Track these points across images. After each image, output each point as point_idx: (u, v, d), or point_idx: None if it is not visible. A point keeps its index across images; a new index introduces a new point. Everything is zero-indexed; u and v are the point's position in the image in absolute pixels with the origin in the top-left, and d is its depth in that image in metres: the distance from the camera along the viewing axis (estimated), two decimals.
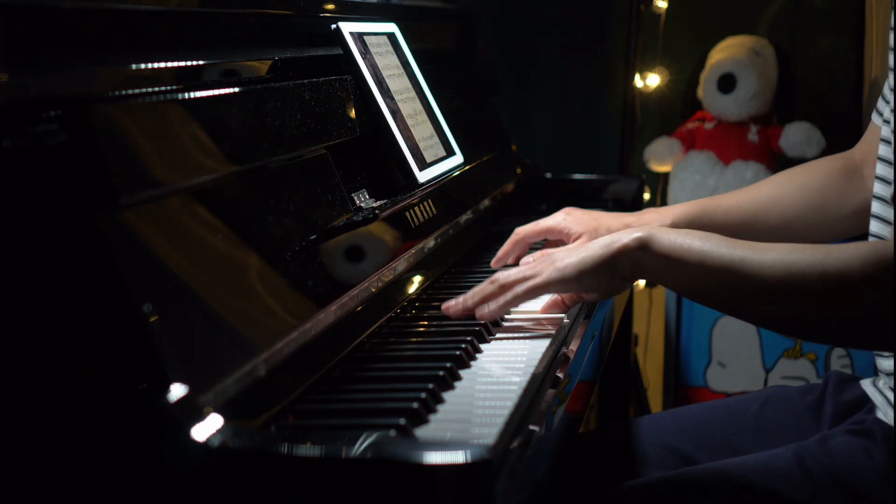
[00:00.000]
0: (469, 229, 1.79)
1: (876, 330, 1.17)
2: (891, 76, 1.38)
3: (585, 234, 1.62)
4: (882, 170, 1.34)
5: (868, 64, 2.86)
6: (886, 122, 1.35)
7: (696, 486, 1.34)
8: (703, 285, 1.24)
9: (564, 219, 1.65)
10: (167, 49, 1.22)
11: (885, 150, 1.34)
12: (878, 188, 1.34)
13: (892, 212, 1.30)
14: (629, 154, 2.89)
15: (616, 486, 1.37)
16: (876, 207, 1.34)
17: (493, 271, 1.63)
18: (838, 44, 3.06)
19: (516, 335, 1.33)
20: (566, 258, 1.30)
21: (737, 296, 1.22)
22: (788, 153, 2.97)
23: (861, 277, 1.14)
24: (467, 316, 1.34)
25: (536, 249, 1.65)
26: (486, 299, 1.33)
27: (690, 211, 1.62)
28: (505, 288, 1.33)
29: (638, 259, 1.26)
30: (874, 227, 1.35)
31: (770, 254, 1.19)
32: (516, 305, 1.34)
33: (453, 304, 1.34)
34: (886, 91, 1.45)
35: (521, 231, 1.65)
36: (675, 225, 1.61)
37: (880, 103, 1.47)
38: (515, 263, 1.66)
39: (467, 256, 1.73)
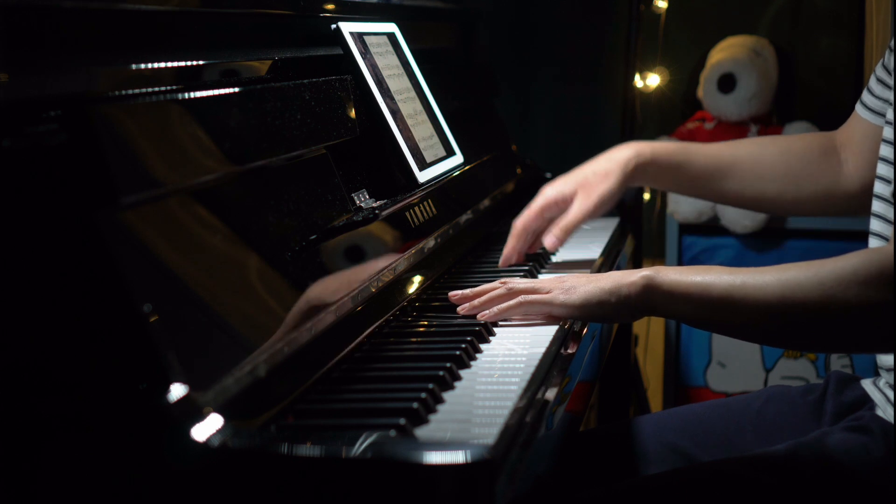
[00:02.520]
0: (469, 229, 1.79)
1: (877, 333, 1.20)
2: (890, 79, 1.39)
3: (579, 190, 1.64)
4: (883, 169, 1.35)
5: (868, 64, 2.86)
6: (889, 123, 1.36)
7: (696, 482, 1.34)
8: (708, 315, 1.28)
9: (551, 189, 1.66)
10: (167, 49, 1.22)
11: (886, 150, 1.34)
12: (879, 187, 1.35)
13: (892, 211, 1.31)
14: None
15: (616, 484, 1.37)
16: (877, 206, 1.35)
17: (495, 271, 1.64)
18: (838, 44, 3.06)
19: (517, 335, 1.34)
20: (576, 285, 1.34)
21: (742, 319, 1.26)
22: None
23: (856, 283, 1.17)
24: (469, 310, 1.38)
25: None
26: (493, 300, 1.37)
27: (671, 147, 1.66)
28: (513, 293, 1.36)
29: (644, 298, 1.30)
30: (875, 225, 1.35)
31: (768, 274, 1.23)
32: (517, 314, 1.37)
33: (460, 295, 1.39)
34: (873, 84, 1.46)
35: (520, 222, 1.67)
36: (656, 159, 1.65)
37: (865, 95, 1.50)
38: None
39: (467, 256, 1.73)
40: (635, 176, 1.65)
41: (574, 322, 1.35)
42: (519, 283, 1.38)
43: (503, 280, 1.39)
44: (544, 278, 1.40)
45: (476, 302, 1.38)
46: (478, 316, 1.36)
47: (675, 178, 1.67)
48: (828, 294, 1.18)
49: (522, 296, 1.35)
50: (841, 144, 1.60)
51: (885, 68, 1.46)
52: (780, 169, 1.62)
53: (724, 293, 1.24)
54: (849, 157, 1.57)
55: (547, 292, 1.35)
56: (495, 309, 1.36)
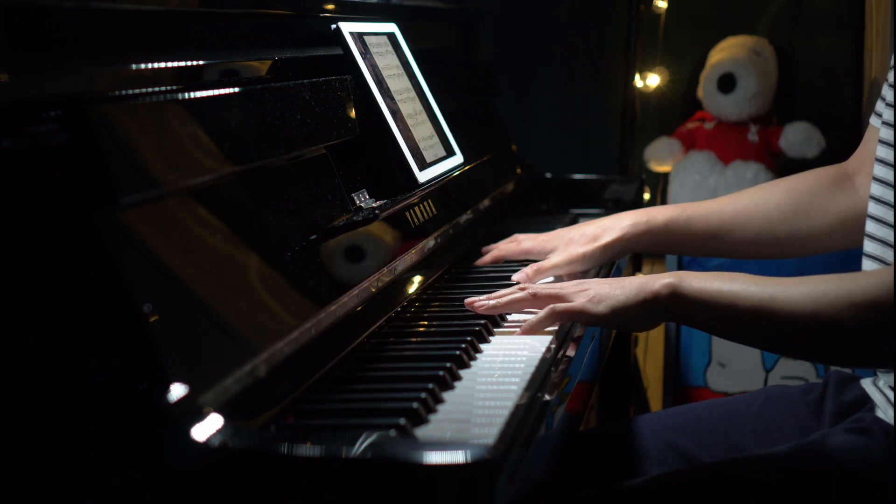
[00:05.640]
0: (469, 229, 1.79)
1: None
2: (890, 75, 1.37)
3: (560, 246, 1.63)
4: (880, 171, 1.33)
5: (868, 64, 2.86)
6: (886, 123, 1.35)
7: (696, 483, 1.34)
8: (735, 326, 1.26)
9: (544, 239, 1.67)
10: (167, 49, 1.22)
11: (884, 152, 1.33)
12: (876, 189, 1.34)
13: (891, 215, 1.30)
14: (629, 154, 2.89)
15: (617, 484, 1.37)
16: (873, 209, 1.34)
17: (495, 271, 1.65)
18: (838, 44, 3.07)
19: (517, 335, 1.33)
20: (600, 293, 1.30)
21: (770, 333, 1.23)
22: (788, 153, 2.97)
23: (890, 303, 1.14)
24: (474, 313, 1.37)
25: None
26: (514, 303, 1.36)
27: (669, 212, 1.62)
28: (538, 298, 1.34)
29: (669, 304, 1.27)
30: (870, 227, 1.34)
31: (798, 287, 1.19)
32: (552, 325, 1.33)
33: (481, 301, 1.37)
34: (886, 91, 1.44)
35: (505, 249, 1.69)
36: (651, 228, 1.61)
37: (879, 105, 1.46)
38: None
39: (467, 256, 1.73)
40: (627, 248, 1.62)
41: (574, 322, 1.35)
42: (540, 289, 1.35)
43: (522, 286, 1.37)
44: (564, 283, 1.36)
45: (497, 303, 1.36)
46: (518, 332, 1.33)
47: (680, 243, 1.62)
48: (860, 315, 1.15)
49: (552, 306, 1.32)
50: (854, 171, 1.56)
51: None
52: (788, 207, 1.57)
53: (751, 306, 1.21)
54: (865, 181, 1.51)
55: (572, 300, 1.31)
56: (527, 324, 1.32)
